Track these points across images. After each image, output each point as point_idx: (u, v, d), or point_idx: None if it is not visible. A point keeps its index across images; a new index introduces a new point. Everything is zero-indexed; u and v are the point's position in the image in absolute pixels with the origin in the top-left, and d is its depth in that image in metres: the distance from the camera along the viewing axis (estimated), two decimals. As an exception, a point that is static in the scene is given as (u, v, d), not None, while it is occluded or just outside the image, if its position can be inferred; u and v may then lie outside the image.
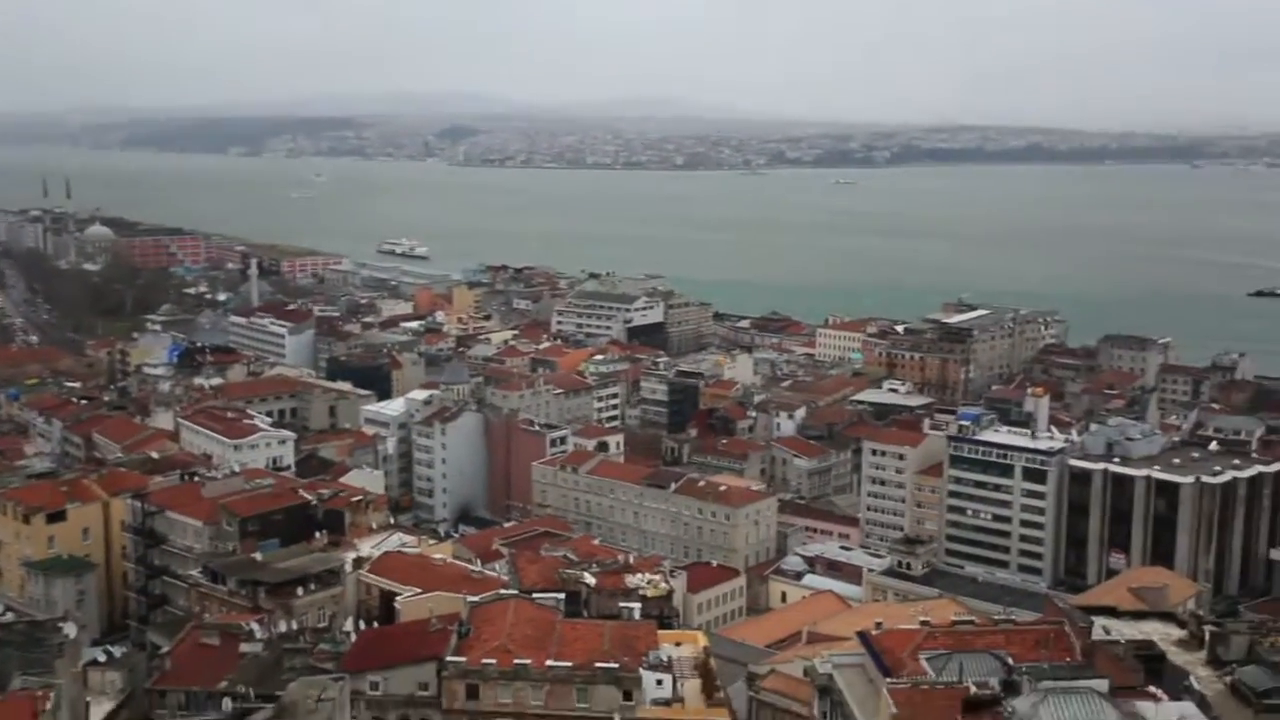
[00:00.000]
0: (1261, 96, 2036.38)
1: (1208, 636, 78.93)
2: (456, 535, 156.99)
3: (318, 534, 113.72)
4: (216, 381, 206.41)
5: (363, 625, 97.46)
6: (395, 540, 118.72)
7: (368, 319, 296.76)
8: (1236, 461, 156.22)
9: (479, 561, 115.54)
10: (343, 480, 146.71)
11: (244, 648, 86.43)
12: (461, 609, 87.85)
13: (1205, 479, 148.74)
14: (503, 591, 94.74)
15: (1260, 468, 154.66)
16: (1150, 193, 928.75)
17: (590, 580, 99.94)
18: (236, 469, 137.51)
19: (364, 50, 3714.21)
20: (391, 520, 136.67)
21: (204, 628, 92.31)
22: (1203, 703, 66.15)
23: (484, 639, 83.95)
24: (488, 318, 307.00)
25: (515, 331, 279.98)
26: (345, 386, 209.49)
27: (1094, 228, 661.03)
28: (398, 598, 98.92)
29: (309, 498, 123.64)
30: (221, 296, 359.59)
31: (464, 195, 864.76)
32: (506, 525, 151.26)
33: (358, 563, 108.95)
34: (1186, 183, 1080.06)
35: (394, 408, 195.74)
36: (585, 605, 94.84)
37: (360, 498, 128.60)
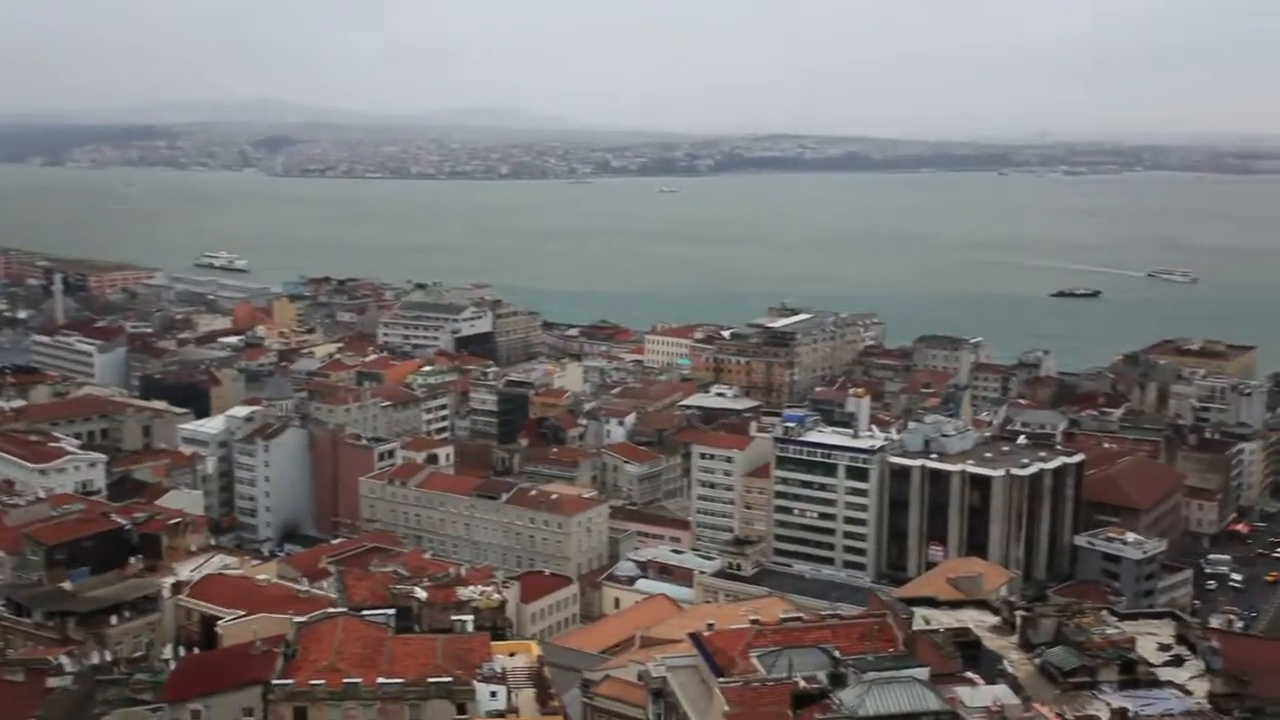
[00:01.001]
0: (1060, 109, 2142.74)
1: (1019, 621, 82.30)
2: (282, 554, 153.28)
3: (132, 559, 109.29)
4: (18, 404, 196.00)
5: (183, 652, 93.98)
6: (217, 562, 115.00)
7: (184, 335, 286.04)
8: (1043, 454, 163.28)
9: (305, 580, 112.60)
10: (159, 502, 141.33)
11: (52, 683, 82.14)
12: (287, 630, 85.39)
13: (1014, 471, 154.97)
14: (330, 610, 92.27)
15: (1064, 459, 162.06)
16: (961, 199, 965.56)
17: (421, 595, 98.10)
18: (42, 495, 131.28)
19: (170, 56, 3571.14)
20: (212, 542, 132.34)
21: (8, 664, 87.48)
22: (1015, 684, 68.93)
23: (312, 659, 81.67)
24: (311, 331, 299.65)
25: (340, 344, 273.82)
26: (160, 405, 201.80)
27: (909, 233, 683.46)
28: (219, 622, 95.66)
29: (122, 522, 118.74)
30: (22, 314, 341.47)
31: (284, 206, 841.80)
32: (334, 542, 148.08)
33: (176, 587, 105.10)
34: (994, 189, 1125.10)
35: (213, 426, 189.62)
36: (417, 620, 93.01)
37: (178, 520, 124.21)
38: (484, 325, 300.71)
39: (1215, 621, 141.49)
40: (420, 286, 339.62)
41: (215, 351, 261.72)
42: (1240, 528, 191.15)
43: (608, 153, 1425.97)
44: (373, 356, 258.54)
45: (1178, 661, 78.52)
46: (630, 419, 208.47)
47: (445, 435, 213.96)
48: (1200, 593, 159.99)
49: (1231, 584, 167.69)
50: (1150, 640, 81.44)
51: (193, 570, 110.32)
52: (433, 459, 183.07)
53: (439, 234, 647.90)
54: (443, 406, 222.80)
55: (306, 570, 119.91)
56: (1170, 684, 72.75)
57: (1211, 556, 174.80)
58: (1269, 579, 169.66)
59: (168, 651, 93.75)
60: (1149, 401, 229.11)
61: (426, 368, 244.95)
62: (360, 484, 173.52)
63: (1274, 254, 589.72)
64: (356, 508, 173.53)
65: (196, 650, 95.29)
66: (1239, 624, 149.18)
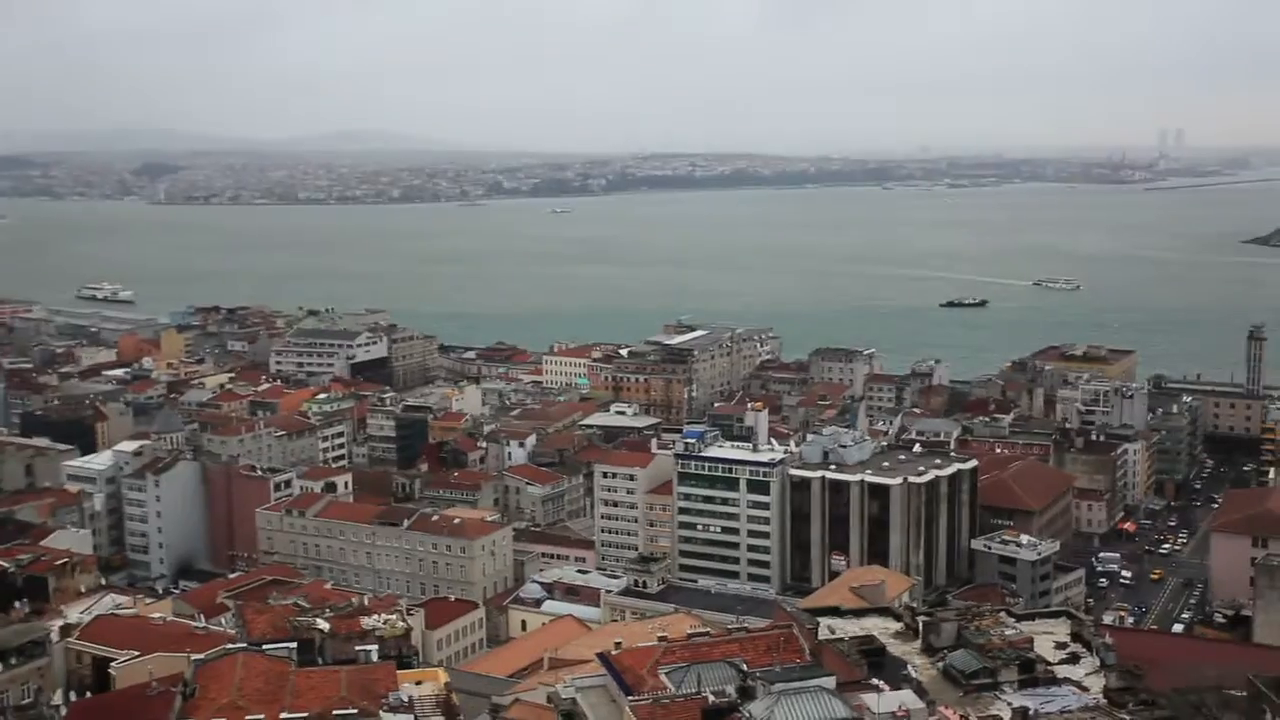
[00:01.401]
0: (941, 124, 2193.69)
1: (921, 627, 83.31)
2: (177, 591, 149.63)
3: (17, 604, 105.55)
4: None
5: (74, 697, 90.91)
6: (108, 602, 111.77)
7: (66, 369, 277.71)
8: (938, 461, 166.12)
9: (202, 617, 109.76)
10: (45, 543, 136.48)
11: (-63, 735, 79.06)
12: (185, 669, 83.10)
13: (911, 479, 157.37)
14: (229, 646, 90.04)
15: (958, 465, 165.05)
16: (848, 213, 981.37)
17: (324, 626, 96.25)
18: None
19: (35, 86, 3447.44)
20: (103, 581, 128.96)
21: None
22: (919, 688, 69.66)
23: (211, 698, 79.50)
24: (200, 361, 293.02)
25: (231, 374, 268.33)
26: (43, 442, 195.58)
27: (800, 248, 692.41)
28: (113, 663, 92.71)
29: (5, 565, 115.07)
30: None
31: (169, 234, 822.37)
32: (231, 576, 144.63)
33: (65, 630, 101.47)
34: (879, 203, 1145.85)
35: (100, 461, 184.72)
36: (320, 652, 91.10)
37: (65, 560, 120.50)
38: (379, 351, 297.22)
39: (1108, 618, 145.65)
40: (313, 313, 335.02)
41: (100, 385, 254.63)
42: (1128, 526, 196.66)
43: (499, 174, 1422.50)
44: (266, 386, 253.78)
45: (1074, 659, 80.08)
46: (531, 440, 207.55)
47: (343, 463, 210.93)
48: (1093, 590, 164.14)
49: (1122, 581, 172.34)
50: (1047, 639, 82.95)
51: (82, 612, 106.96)
52: (331, 488, 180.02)
53: (331, 260, 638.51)
54: (340, 434, 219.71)
55: (203, 607, 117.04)
56: (1067, 681, 74.05)
57: (1102, 555, 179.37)
58: (1153, 576, 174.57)
59: (58, 697, 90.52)
60: (1037, 406, 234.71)
61: (322, 395, 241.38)
62: (257, 516, 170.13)
63: (1147, 261, 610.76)
64: (253, 540, 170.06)
65: (89, 694, 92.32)
66: (1130, 620, 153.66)
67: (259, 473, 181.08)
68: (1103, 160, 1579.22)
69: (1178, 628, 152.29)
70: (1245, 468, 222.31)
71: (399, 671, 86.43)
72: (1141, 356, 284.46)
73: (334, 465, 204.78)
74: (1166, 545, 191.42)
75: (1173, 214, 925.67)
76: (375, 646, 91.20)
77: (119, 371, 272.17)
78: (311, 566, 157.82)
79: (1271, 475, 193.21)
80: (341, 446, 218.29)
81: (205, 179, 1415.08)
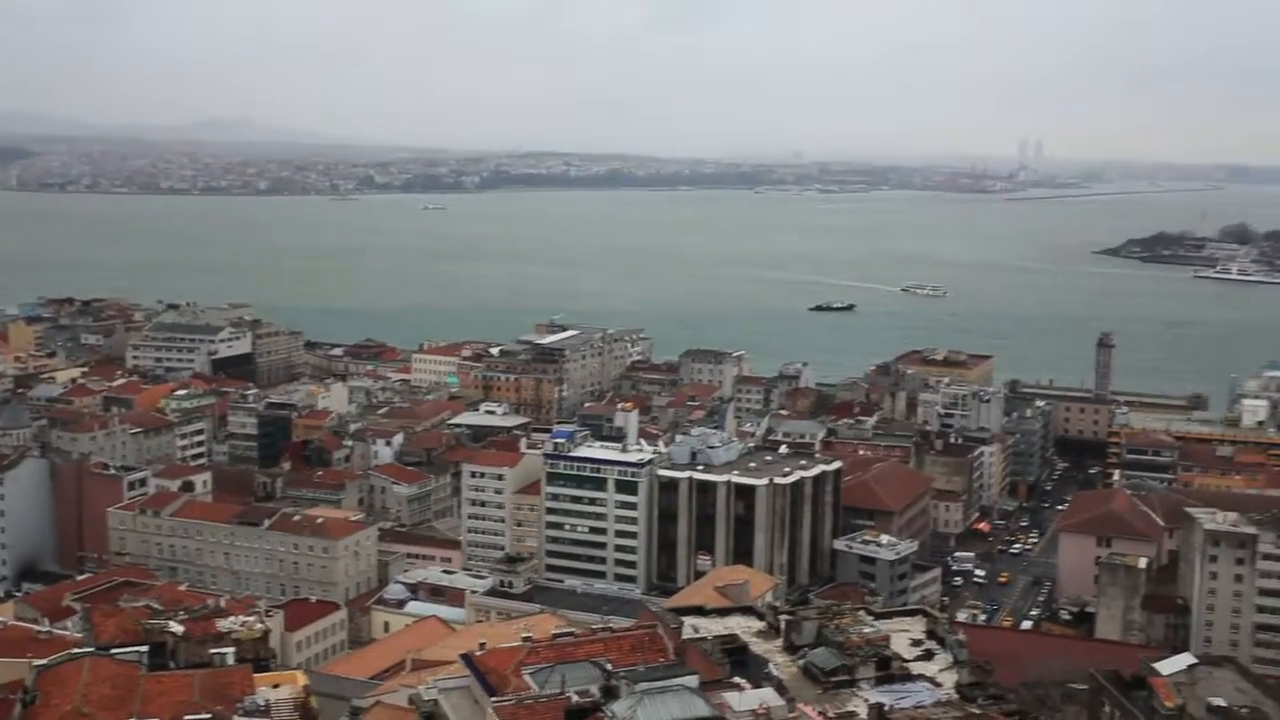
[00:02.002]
0: (813, 130, 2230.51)
1: (783, 625, 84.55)
2: (19, 594, 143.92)
3: None
4: None
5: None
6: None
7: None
8: (803, 462, 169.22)
9: (46, 620, 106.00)
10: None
11: None
12: (25, 674, 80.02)
13: (777, 480, 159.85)
14: (75, 651, 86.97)
15: (823, 467, 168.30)
16: (720, 215, 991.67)
17: (177, 629, 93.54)
18: None
19: None
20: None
21: None
22: (780, 686, 70.56)
23: (54, 705, 76.61)
24: (51, 355, 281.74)
25: (85, 369, 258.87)
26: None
27: (672, 249, 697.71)
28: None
29: None
30: None
31: (20, 222, 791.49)
32: (80, 578, 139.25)
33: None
34: (751, 206, 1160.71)
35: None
36: (172, 656, 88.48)
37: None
38: (243, 346, 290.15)
39: (961, 615, 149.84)
40: (173, 307, 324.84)
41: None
42: (982, 526, 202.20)
43: (371, 168, 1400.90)
44: (121, 381, 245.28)
45: (928, 656, 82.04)
46: (398, 439, 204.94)
47: (202, 461, 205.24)
48: (948, 589, 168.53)
49: (975, 580, 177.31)
50: (904, 636, 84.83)
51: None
52: (188, 487, 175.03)
53: (193, 252, 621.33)
54: (199, 431, 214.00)
55: (47, 609, 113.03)
56: (922, 677, 75.77)
57: (957, 554, 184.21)
58: (1001, 580, 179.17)
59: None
60: (899, 409, 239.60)
61: (181, 391, 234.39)
62: (109, 515, 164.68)
63: (1007, 268, 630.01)
64: (105, 541, 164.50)
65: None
66: (982, 617, 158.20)
67: (112, 471, 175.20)
68: (966, 170, 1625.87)
69: (1027, 624, 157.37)
70: (1093, 470, 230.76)
71: (256, 674, 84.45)
72: (999, 361, 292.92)
73: (192, 464, 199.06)
74: (1018, 545, 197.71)
75: (1031, 224, 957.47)
76: (232, 649, 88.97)
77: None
78: (166, 568, 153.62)
79: (1116, 477, 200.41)
80: (201, 444, 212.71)
81: (61, 165, 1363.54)
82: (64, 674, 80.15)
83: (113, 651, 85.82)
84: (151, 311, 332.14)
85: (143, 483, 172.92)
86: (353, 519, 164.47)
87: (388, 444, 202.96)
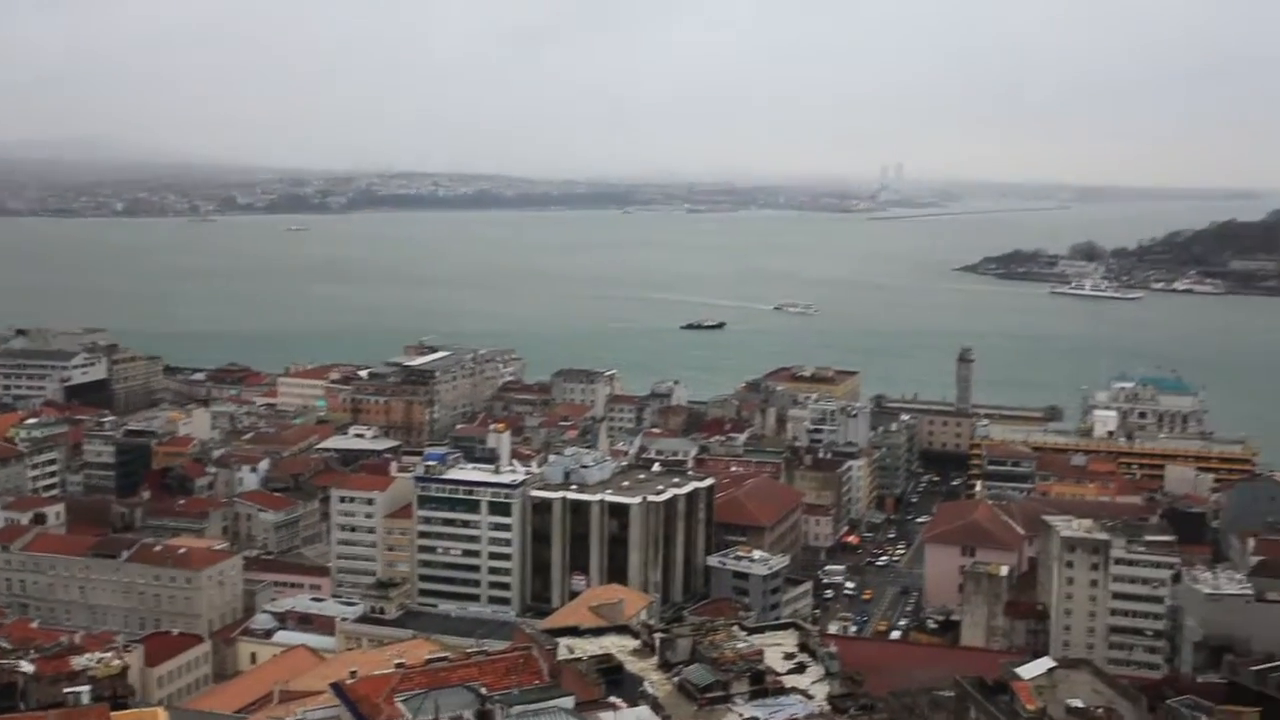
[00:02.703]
0: (681, 150, 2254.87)
1: (658, 643, 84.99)
2: None
3: None
4: None
5: None
6: None
7: None
8: (676, 480, 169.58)
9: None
10: None
11: None
12: None
13: (650, 499, 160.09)
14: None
15: (696, 484, 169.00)
16: (590, 235, 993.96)
17: (28, 668, 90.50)
18: None
19: None
20: None
21: None
22: (656, 704, 71.03)
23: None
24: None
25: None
26: None
27: (544, 269, 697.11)
28: None
29: None
30: None
31: None
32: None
33: None
34: (620, 226, 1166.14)
35: None
36: (23, 697, 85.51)
37: None
38: (98, 372, 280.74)
39: (833, 628, 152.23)
40: (21, 332, 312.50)
41: None
42: (851, 539, 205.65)
43: (234, 189, 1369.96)
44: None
45: (801, 669, 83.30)
46: (264, 465, 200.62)
47: (55, 492, 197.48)
48: (819, 602, 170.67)
49: (846, 592, 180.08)
50: (777, 650, 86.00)
51: None
52: (40, 519, 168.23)
53: (44, 275, 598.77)
54: (51, 461, 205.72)
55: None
56: (795, 690, 76.98)
57: (828, 568, 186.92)
58: (865, 596, 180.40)
59: None
60: (770, 425, 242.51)
61: (31, 420, 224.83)
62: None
63: (872, 286, 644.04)
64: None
65: None
66: (853, 629, 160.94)
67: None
68: (830, 190, 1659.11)
69: (895, 635, 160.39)
70: (956, 481, 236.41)
71: (114, 713, 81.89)
72: (865, 377, 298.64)
73: (44, 495, 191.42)
74: (885, 557, 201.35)
75: (894, 242, 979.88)
76: (87, 687, 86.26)
77: None
78: (15, 604, 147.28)
79: (978, 488, 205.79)
80: (54, 475, 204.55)
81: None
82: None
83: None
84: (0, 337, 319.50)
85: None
86: (216, 548, 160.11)
87: (253, 470, 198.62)
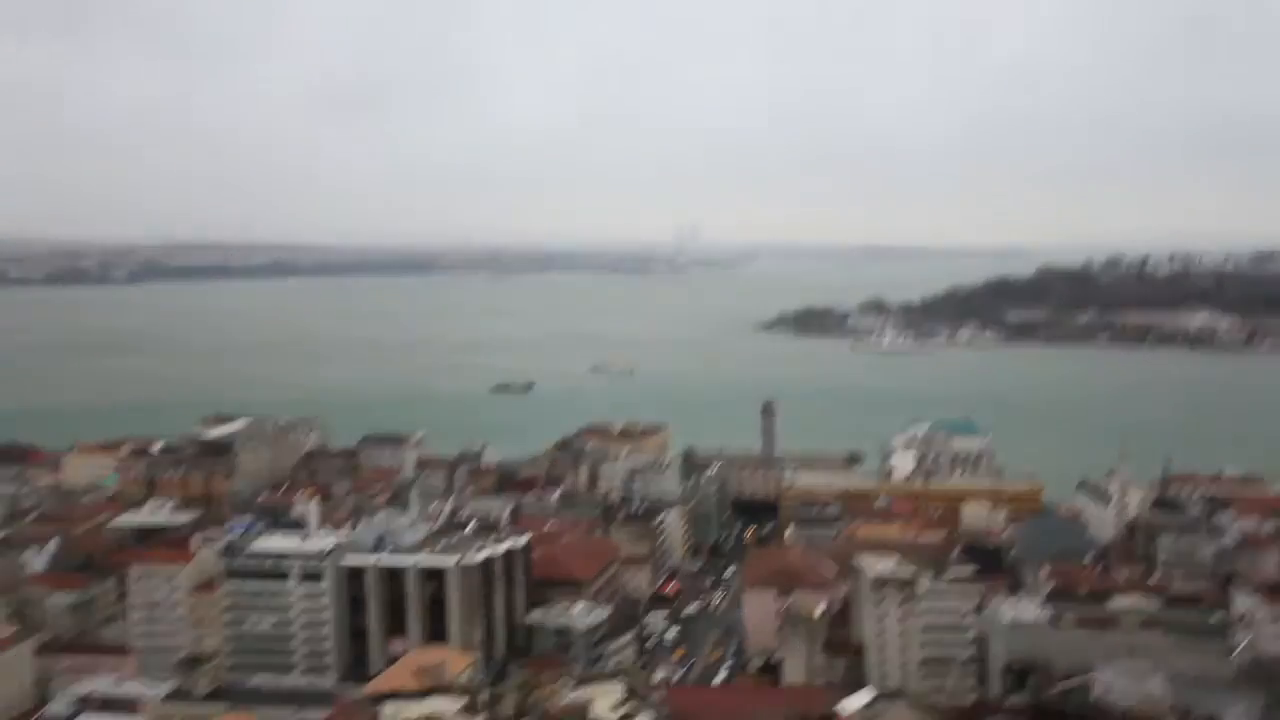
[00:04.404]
0: (483, 218, 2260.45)
1: (485, 701, 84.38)
2: None
3: None
4: None
5: None
6: None
7: None
8: (492, 538, 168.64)
9: None
10: None
11: None
12: None
13: (466, 560, 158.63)
14: None
15: (512, 543, 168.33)
16: (390, 303, 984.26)
17: None
18: None
19: None
20: None
21: None
22: (492, 756, 70.38)
23: None
24: None
25: None
26: None
27: (347, 336, 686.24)
28: None
29: None
30: None
31: None
32: None
33: None
34: (422, 293, 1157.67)
35: None
36: None
37: None
38: None
39: (659, 675, 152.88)
40: None
41: None
42: (670, 589, 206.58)
43: (6, 263, 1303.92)
44: None
45: (631, 715, 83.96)
46: (53, 544, 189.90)
47: None
48: (642, 650, 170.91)
49: (667, 641, 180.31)
50: (606, 699, 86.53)
51: None
52: None
53: None
54: None
55: None
56: (629, 734, 77.48)
57: (649, 618, 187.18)
58: (676, 655, 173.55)
59: None
60: (582, 481, 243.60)
61: None
62: None
63: (680, 342, 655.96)
64: None
65: None
66: (679, 675, 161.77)
67: None
68: (630, 253, 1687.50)
69: (720, 678, 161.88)
70: (768, 528, 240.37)
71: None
72: (674, 431, 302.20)
73: None
74: (696, 605, 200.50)
75: (696, 301, 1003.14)
76: None
77: None
78: None
79: (789, 533, 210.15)
80: None
81: None
82: None
83: None
84: None
85: None
86: (2, 636, 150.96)
87: (41, 550, 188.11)
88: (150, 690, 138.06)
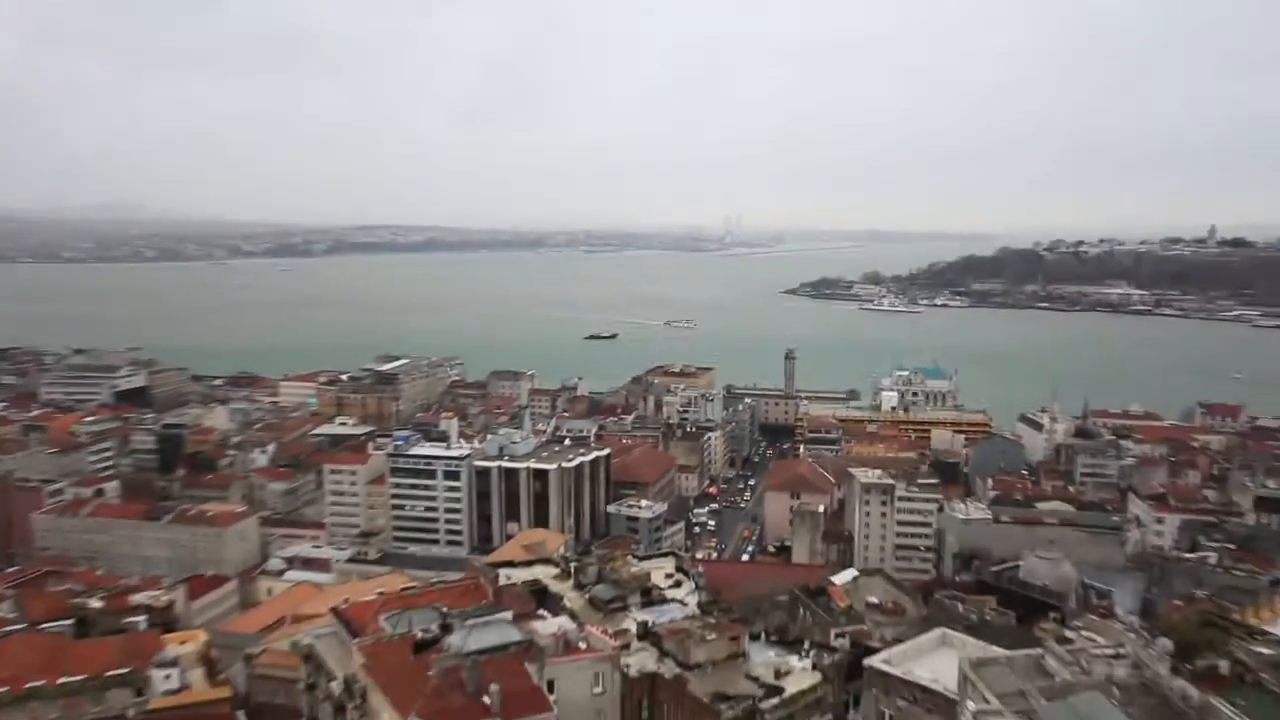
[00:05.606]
0: (580, 203, 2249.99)
1: (573, 570, 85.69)
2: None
3: None
4: None
5: None
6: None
7: None
8: (582, 451, 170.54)
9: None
10: None
11: None
12: (-31, 651, 73.21)
13: (564, 464, 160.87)
14: (10, 628, 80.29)
15: (597, 453, 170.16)
16: (511, 272, 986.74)
17: (97, 604, 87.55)
18: None
19: None
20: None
21: None
22: (572, 614, 71.73)
23: (-6, 673, 70.59)
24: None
25: (4, 404, 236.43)
26: None
27: (479, 295, 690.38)
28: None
29: None
30: None
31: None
32: (10, 570, 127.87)
33: None
34: (534, 264, 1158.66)
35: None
36: (93, 627, 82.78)
37: None
38: (140, 381, 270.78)
39: (700, 555, 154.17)
40: (79, 351, 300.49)
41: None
42: (712, 490, 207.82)
43: (239, 239, 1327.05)
44: (37, 411, 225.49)
45: (678, 584, 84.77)
46: (271, 448, 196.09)
47: (110, 473, 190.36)
48: (690, 535, 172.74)
49: (709, 529, 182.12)
50: (660, 572, 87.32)
51: None
52: (100, 493, 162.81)
53: (91, 307, 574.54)
54: (106, 449, 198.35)
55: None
56: (675, 600, 78.44)
57: (695, 511, 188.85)
58: (711, 541, 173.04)
59: None
60: (650, 408, 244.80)
61: (89, 418, 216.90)
62: (32, 519, 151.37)
63: (726, 305, 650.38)
64: (31, 539, 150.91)
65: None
66: (715, 554, 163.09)
67: (32, 483, 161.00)
68: (688, 235, 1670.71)
69: (745, 557, 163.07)
70: (786, 445, 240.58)
71: (165, 635, 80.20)
72: (719, 371, 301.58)
73: (101, 475, 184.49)
74: (731, 502, 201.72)
75: (738, 273, 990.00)
76: (144, 617, 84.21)
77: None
78: (85, 558, 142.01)
79: (801, 451, 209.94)
80: (109, 459, 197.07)
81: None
82: (0, 647, 74.00)
83: (41, 627, 79.88)
84: (60, 355, 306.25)
85: (60, 491, 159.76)
86: (238, 510, 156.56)
87: (263, 451, 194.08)
88: (337, 554, 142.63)
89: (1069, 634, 61.74)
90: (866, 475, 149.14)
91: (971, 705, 41.50)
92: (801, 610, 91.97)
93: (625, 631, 69.17)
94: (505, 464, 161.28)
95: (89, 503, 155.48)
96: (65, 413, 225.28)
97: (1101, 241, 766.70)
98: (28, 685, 69.06)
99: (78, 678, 70.36)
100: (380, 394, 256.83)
